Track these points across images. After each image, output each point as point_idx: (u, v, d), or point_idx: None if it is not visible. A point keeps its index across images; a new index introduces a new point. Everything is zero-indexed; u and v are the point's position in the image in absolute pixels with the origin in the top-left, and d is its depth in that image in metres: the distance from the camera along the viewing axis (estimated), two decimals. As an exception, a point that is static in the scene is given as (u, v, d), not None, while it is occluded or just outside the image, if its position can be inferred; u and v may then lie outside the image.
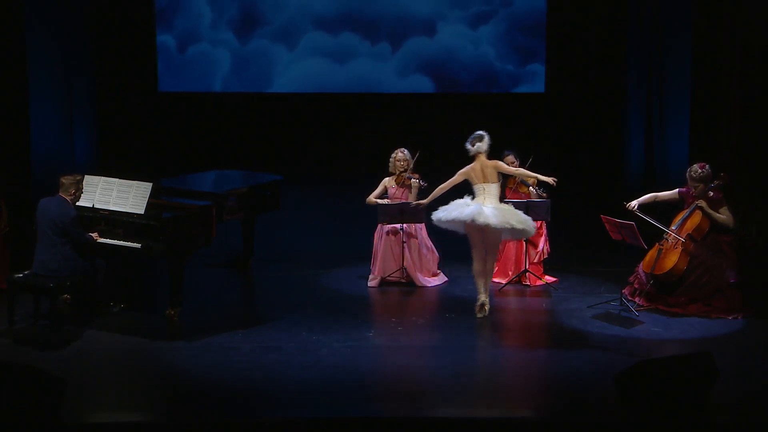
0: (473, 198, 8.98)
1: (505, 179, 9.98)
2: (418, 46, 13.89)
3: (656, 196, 9.44)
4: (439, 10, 13.81)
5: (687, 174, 9.26)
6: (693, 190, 9.24)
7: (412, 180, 10.00)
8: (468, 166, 9.03)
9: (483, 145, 9.04)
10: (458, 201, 9.01)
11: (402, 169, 10.06)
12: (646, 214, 9.23)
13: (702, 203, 9.16)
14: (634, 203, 9.29)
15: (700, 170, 9.17)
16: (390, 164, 10.13)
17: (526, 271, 9.95)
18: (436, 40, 13.84)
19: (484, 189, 8.97)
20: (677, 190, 9.41)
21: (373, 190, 10.16)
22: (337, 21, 13.90)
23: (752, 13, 9.72)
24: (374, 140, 12.89)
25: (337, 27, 13.90)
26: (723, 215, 9.17)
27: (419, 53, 13.90)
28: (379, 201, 10.04)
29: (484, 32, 13.79)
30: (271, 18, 13.83)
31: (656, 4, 11.86)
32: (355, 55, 13.89)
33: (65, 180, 8.48)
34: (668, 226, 9.30)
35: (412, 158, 10.09)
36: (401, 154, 10.07)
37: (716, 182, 9.20)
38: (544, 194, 9.78)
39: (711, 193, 9.19)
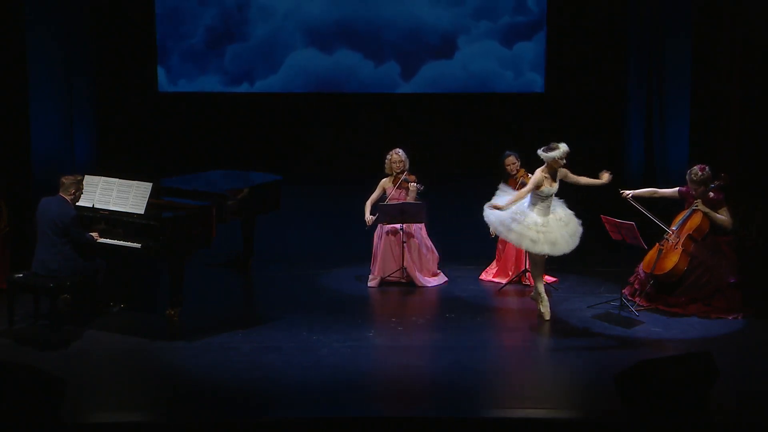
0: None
1: (505, 180, 9.97)
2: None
3: (656, 191, 9.45)
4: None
5: (687, 176, 9.25)
6: (693, 192, 9.23)
7: (410, 184, 9.96)
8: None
9: (543, 155, 8.95)
10: (522, 217, 8.91)
11: (398, 170, 10.03)
12: (642, 208, 9.22)
13: (699, 204, 9.15)
14: (630, 192, 9.29)
15: (700, 173, 9.16)
16: (386, 165, 10.09)
17: (526, 271, 9.95)
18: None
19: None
20: (678, 188, 9.41)
21: (373, 191, 10.14)
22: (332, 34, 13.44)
23: (752, 13, 9.73)
24: (374, 140, 12.87)
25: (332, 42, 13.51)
26: (722, 216, 9.17)
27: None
28: (369, 217, 10.01)
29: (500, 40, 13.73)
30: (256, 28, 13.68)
31: (656, 4, 11.85)
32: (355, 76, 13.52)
33: (66, 180, 8.48)
34: (668, 226, 9.30)
35: (414, 157, 10.04)
36: (396, 156, 10.03)
37: (716, 182, 9.20)
38: None
39: (711, 194, 9.19)
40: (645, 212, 9.20)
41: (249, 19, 13.63)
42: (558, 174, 8.93)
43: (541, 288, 9.11)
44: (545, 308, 9.06)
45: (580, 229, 8.96)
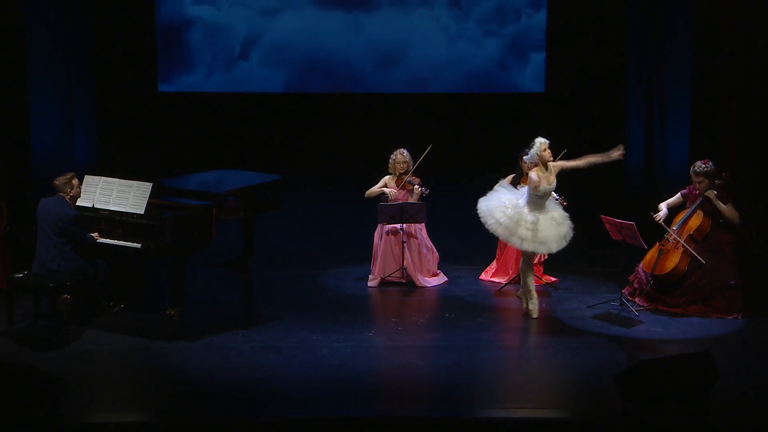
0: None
1: (518, 178, 9.93)
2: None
3: (668, 204, 9.41)
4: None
5: (690, 171, 9.23)
6: (696, 187, 9.21)
7: (415, 186, 9.93)
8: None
9: (526, 158, 9.05)
10: (514, 213, 8.92)
11: (402, 171, 10.01)
12: (674, 233, 9.19)
13: (711, 193, 9.10)
14: (662, 216, 9.26)
15: (703, 165, 9.15)
16: (389, 165, 10.06)
17: (526, 271, 9.94)
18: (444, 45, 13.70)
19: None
20: (679, 192, 9.41)
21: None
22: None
23: (752, 14, 9.73)
24: (374, 140, 12.88)
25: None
26: (729, 209, 9.13)
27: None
28: (385, 189, 9.96)
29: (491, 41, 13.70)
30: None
31: (656, 5, 11.86)
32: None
33: (58, 181, 8.49)
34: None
35: (418, 157, 9.96)
36: (401, 156, 9.99)
37: (718, 182, 9.19)
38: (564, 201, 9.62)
39: (716, 192, 9.17)
40: (678, 238, 9.16)
41: (250, 20, 13.65)
42: (552, 170, 8.93)
43: (531, 285, 9.11)
44: (533, 305, 9.06)
45: (571, 233, 8.96)
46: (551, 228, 8.88)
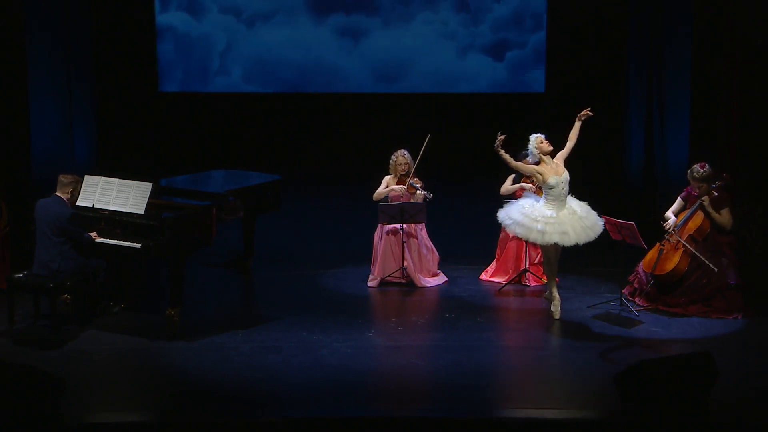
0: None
1: (518, 179, 9.92)
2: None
3: (673, 211, 9.39)
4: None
5: (689, 175, 9.24)
6: (696, 190, 9.22)
7: (418, 190, 9.88)
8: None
9: (529, 158, 9.08)
10: (531, 210, 8.87)
11: (403, 172, 9.98)
12: (695, 249, 9.16)
13: (705, 200, 9.11)
14: (672, 224, 9.24)
15: (701, 170, 9.15)
16: (390, 166, 10.02)
17: (526, 270, 9.95)
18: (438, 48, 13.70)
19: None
20: (679, 197, 9.40)
21: (375, 189, 10.10)
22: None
23: (752, 13, 9.73)
24: (374, 140, 12.88)
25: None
26: (723, 216, 9.14)
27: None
28: (395, 187, 9.92)
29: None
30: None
31: (656, 4, 11.86)
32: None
33: (64, 178, 8.51)
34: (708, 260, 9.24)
35: (419, 150, 9.92)
36: (402, 158, 9.95)
37: (719, 183, 9.19)
38: None
39: (715, 193, 9.17)
40: (680, 239, 9.15)
41: (250, 21, 13.64)
42: (557, 160, 8.91)
43: (554, 287, 9.08)
44: (555, 307, 9.03)
45: (599, 223, 8.90)
46: (573, 220, 8.79)
